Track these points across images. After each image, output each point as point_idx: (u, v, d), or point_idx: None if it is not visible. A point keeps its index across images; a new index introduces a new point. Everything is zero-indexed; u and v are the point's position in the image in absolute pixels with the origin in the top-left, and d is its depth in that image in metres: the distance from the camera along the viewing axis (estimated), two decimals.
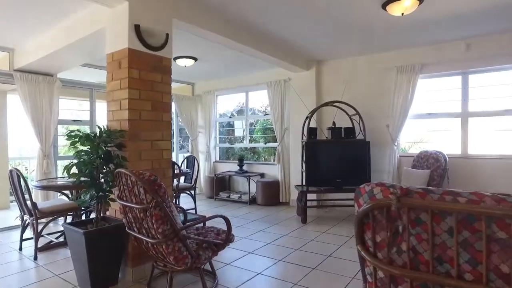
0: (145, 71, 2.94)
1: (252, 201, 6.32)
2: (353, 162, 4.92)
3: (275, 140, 6.67)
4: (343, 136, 5.03)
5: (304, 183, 5.11)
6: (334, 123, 5.20)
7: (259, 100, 7.20)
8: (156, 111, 3.05)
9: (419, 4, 3.30)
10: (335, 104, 5.21)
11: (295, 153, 5.94)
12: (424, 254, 1.18)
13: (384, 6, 3.44)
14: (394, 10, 3.40)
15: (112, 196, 2.83)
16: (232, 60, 5.62)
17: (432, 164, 4.55)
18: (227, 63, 5.84)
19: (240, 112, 7.89)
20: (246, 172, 6.68)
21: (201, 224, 3.08)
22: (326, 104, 5.18)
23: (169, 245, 2.34)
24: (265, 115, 6.98)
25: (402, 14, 3.41)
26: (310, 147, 4.93)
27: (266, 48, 4.63)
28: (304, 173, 5.17)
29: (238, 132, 7.84)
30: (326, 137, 5.27)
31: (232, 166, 7.03)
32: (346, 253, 3.57)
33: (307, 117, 5.39)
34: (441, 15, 3.75)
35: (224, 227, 2.72)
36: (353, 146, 4.99)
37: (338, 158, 4.96)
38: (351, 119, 5.33)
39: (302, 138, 5.44)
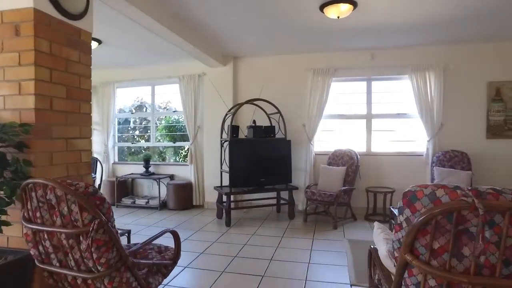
0: (59, 44, 2.17)
1: (163, 205, 5.67)
2: (276, 161, 4.92)
3: (183, 139, 6.18)
4: (264, 134, 4.97)
5: (225, 184, 4.85)
6: (254, 122, 5.10)
7: (160, 95, 6.52)
8: (73, 99, 2.30)
9: (353, 9, 3.45)
10: (255, 102, 5.12)
11: (211, 152, 5.60)
12: (490, 257, 1.12)
13: (322, 8, 3.50)
14: (331, 12, 3.48)
15: (5, 218, 1.98)
16: (142, 47, 4.88)
17: (347, 161, 4.92)
18: (136, 50, 5.05)
19: (139, 107, 7.03)
20: (153, 174, 5.97)
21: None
22: (249, 101, 5.04)
23: (114, 277, 1.76)
24: (174, 111, 6.36)
25: (338, 17, 3.52)
26: (234, 146, 4.69)
27: (190, 37, 4.17)
28: (224, 174, 4.90)
29: (140, 130, 6.97)
30: (246, 136, 5.12)
31: (135, 168, 6.19)
32: (285, 254, 3.48)
33: (226, 115, 5.15)
34: (362, 25, 4.04)
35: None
36: (275, 145, 4.99)
37: (261, 157, 4.87)
38: (269, 118, 5.34)
39: (222, 137, 5.16)
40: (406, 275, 1.28)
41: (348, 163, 4.89)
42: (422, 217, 1.14)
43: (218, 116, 5.38)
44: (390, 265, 1.53)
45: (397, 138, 5.27)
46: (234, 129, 4.81)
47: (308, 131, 5.27)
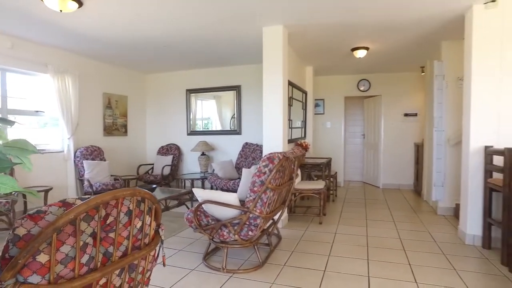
0: None
1: None
2: None
3: None
4: None
5: None
6: None
7: None
8: None
9: (78, 7, 3.58)
10: None
11: None
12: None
13: None
14: (53, 4, 3.39)
15: None
16: None
17: None
18: None
19: None
20: None
21: None
22: None
23: None
24: None
25: (61, 11, 3.47)
26: None
27: None
28: None
29: None
30: None
31: None
32: None
33: None
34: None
35: None
36: None
37: None
38: None
39: None
40: (263, 195, 2.85)
41: None
42: (265, 163, 2.82)
43: None
44: (237, 202, 2.91)
45: (36, 136, 5.20)
46: None
47: None
